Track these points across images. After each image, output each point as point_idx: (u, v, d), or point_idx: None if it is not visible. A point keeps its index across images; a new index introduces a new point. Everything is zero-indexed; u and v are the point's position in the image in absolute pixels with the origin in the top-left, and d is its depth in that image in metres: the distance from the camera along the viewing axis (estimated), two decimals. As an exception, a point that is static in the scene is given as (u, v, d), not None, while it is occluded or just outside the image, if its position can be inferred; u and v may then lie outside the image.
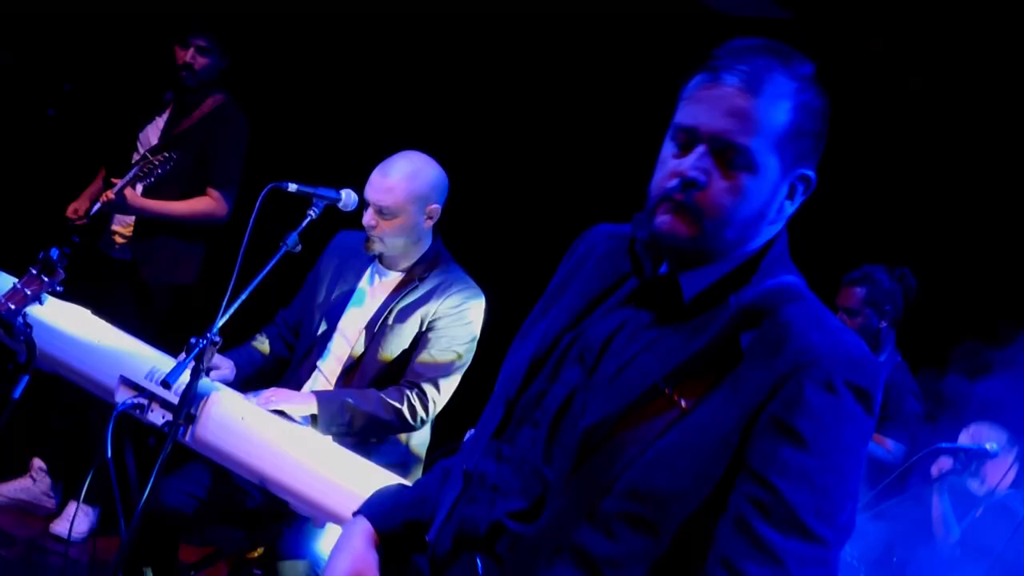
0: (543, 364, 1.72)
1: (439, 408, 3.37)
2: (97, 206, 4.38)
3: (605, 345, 1.67)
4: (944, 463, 3.81)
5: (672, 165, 1.62)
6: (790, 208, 1.66)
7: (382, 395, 3.27)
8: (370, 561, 1.77)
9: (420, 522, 1.80)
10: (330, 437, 3.16)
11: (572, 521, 1.59)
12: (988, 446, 3.69)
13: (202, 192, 4.46)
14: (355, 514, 1.85)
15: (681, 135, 1.63)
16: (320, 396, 3.21)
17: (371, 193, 3.33)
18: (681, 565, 1.55)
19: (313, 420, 3.18)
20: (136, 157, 4.49)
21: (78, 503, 3.91)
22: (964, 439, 3.78)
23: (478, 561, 1.66)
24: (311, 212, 3.17)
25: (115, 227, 4.49)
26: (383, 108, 5.18)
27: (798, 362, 1.50)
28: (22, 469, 4.57)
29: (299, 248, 3.12)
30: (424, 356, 3.34)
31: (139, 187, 4.41)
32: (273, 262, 3.06)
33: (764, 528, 1.46)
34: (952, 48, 4.46)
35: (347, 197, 3.27)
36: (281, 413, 3.10)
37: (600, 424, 1.59)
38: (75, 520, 4.21)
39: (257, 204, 3.08)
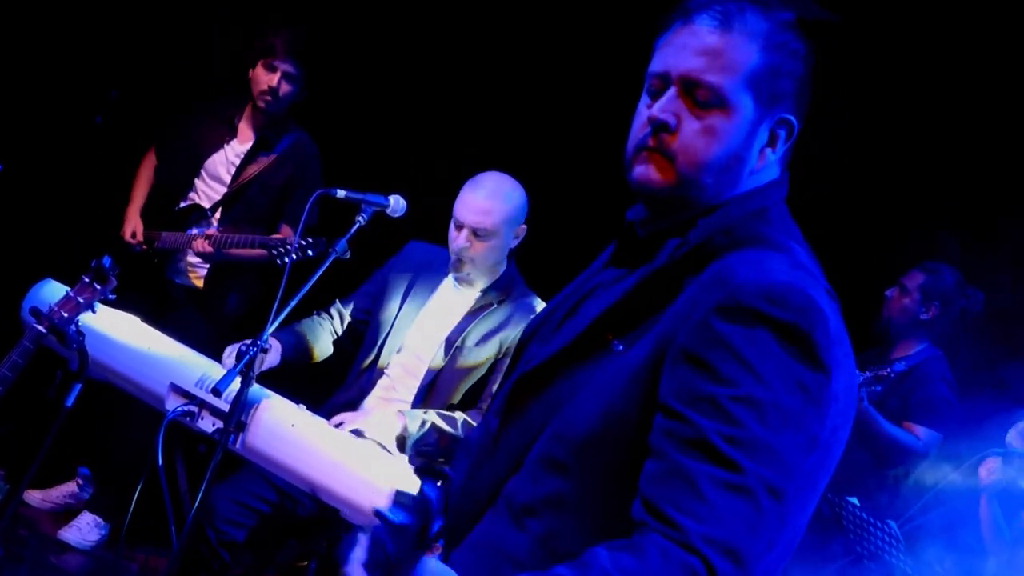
0: (532, 336, 1.71)
1: None
2: (166, 242, 4.34)
3: (577, 304, 1.64)
4: (992, 465, 3.70)
5: (645, 114, 1.57)
6: (772, 156, 1.57)
7: (467, 417, 3.27)
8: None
9: None
10: (378, 444, 3.15)
11: (505, 469, 1.55)
12: None
13: (275, 226, 4.36)
14: None
15: (654, 83, 1.58)
16: (410, 417, 3.20)
17: (467, 215, 3.30)
18: (608, 517, 1.43)
19: (399, 441, 3.17)
20: (200, 184, 4.40)
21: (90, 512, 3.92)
22: (1012, 437, 3.66)
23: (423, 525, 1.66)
24: (359, 219, 3.15)
25: (191, 259, 4.39)
26: (419, 114, 5.14)
27: (713, 294, 1.39)
28: (69, 475, 4.60)
29: (348, 255, 3.12)
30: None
31: (215, 221, 4.36)
32: (322, 269, 3.05)
33: (675, 454, 1.34)
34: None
35: (395, 203, 3.25)
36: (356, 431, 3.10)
37: (535, 370, 1.56)
38: (85, 529, 4.24)
39: (305, 211, 3.07)
